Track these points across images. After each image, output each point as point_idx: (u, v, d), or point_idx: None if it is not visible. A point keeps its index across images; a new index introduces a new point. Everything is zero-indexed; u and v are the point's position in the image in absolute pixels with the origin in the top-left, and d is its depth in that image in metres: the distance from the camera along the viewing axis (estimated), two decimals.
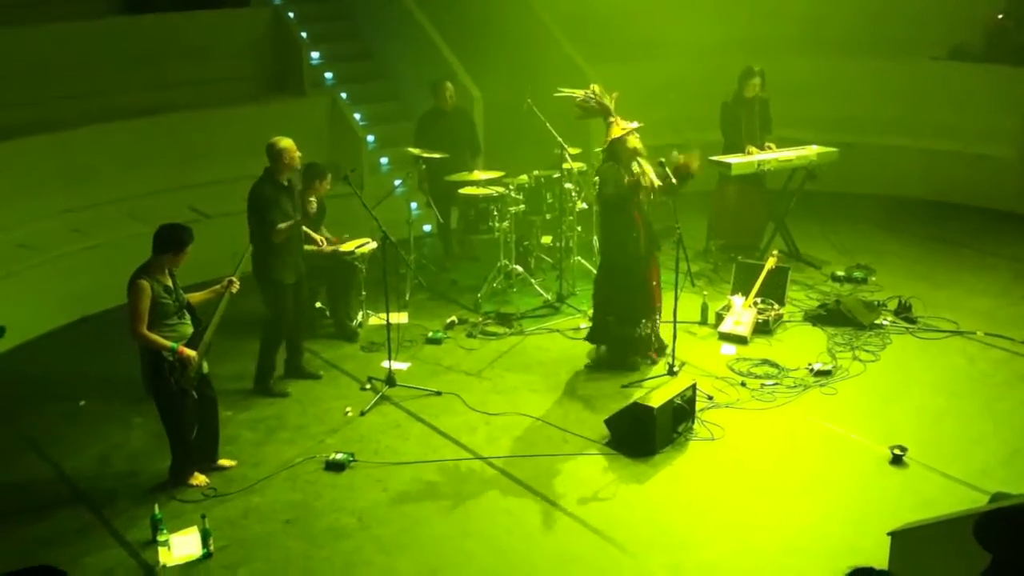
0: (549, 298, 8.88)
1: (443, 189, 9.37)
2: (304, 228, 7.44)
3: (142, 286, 5.82)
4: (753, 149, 9.36)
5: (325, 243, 7.97)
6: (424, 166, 9.27)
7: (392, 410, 7.17)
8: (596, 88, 7.55)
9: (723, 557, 5.56)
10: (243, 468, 6.44)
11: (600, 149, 7.73)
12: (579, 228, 9.30)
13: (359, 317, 8.47)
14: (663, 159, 7.46)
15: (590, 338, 7.87)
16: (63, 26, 9.88)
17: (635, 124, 7.35)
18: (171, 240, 5.94)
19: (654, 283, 7.63)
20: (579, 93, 7.57)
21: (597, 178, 7.59)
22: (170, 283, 5.99)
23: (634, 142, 7.35)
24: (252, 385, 7.42)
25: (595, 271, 9.06)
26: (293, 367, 7.59)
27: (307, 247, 7.68)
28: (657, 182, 7.41)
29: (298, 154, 7.11)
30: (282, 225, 6.99)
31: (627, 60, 11.68)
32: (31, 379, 7.73)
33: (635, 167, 7.33)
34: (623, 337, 7.63)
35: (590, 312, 8.15)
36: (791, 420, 6.94)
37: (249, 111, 10.45)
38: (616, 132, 7.34)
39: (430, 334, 8.28)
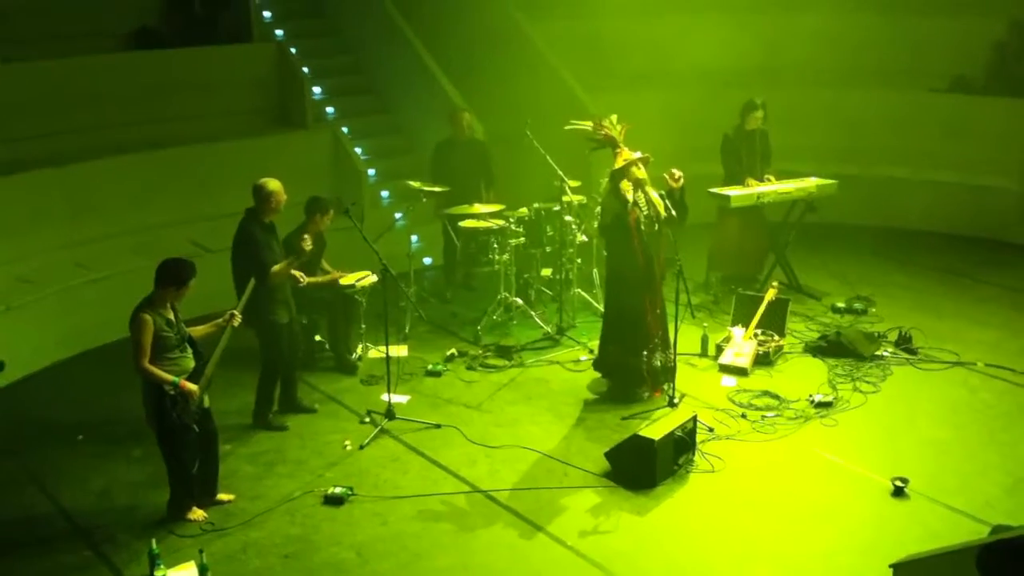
0: (549, 330, 8.88)
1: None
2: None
3: (144, 320, 5.84)
4: (752, 181, 9.39)
5: (303, 279, 7.48)
6: (425, 199, 9.34)
7: (391, 443, 7.16)
8: (613, 118, 7.57)
9: None
10: (242, 502, 6.41)
11: (606, 180, 7.76)
12: (579, 260, 9.32)
13: (359, 350, 8.47)
14: (662, 192, 7.51)
15: (595, 366, 7.88)
16: (70, 62, 9.96)
17: (639, 154, 7.38)
18: (174, 274, 5.97)
19: (658, 311, 7.63)
20: (588, 125, 7.61)
21: (599, 209, 7.60)
22: (172, 317, 6.01)
23: (638, 172, 7.39)
24: (251, 419, 7.41)
25: (596, 304, 9.12)
26: (287, 401, 7.57)
27: (310, 279, 7.64)
28: (664, 213, 7.44)
29: (284, 197, 7.14)
30: (277, 267, 7.02)
31: (626, 91, 11.76)
32: (32, 413, 7.73)
33: (640, 196, 7.36)
34: (624, 367, 7.62)
35: (591, 344, 8.15)
36: (792, 452, 6.91)
37: (252, 145, 10.50)
38: (619, 163, 7.38)
39: (430, 367, 8.28)
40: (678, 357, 7.54)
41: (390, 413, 7.37)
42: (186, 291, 6.03)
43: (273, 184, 7.11)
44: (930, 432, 7.13)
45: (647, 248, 7.42)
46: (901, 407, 7.50)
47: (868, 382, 7.85)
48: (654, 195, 7.47)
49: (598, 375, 7.88)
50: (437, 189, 9.33)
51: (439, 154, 9.82)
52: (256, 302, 6.77)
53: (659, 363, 7.64)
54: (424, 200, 9.41)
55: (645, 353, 7.56)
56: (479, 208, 9.07)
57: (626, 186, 7.28)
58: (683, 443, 6.69)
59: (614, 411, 7.50)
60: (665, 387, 7.66)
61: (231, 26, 11.50)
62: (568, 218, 8.98)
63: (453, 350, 8.58)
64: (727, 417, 7.36)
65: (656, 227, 7.44)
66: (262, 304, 6.98)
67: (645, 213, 7.39)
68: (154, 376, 5.86)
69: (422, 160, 11.20)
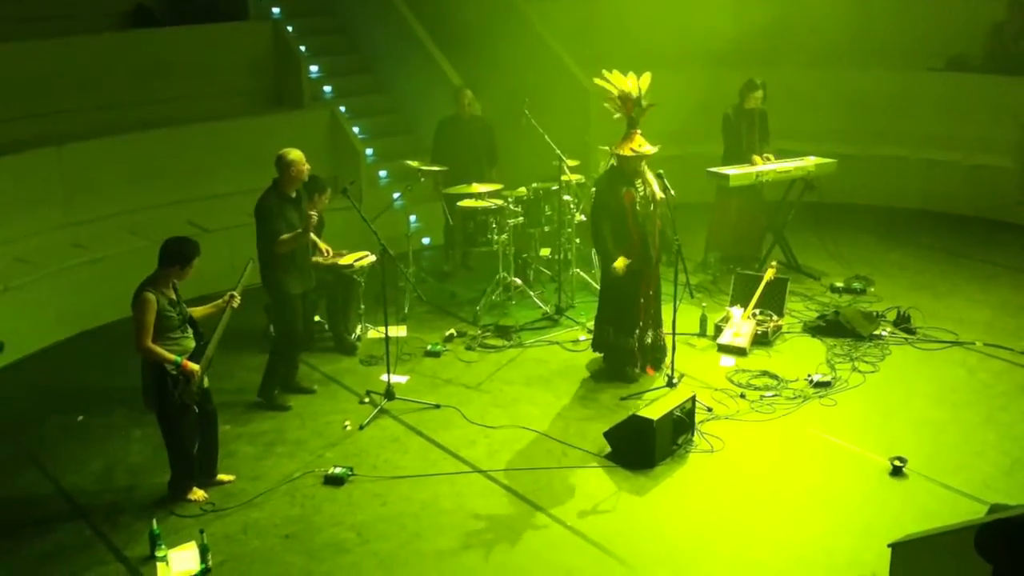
0: (548, 310, 8.89)
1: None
2: (313, 237, 7.41)
3: (148, 299, 5.82)
4: (758, 159, 9.36)
5: (330, 253, 7.94)
6: (423, 179, 9.30)
7: (391, 424, 7.17)
8: (645, 80, 7.35)
9: (723, 568, 5.55)
10: (242, 482, 6.42)
11: (605, 148, 7.65)
12: (578, 240, 9.32)
13: (358, 330, 8.47)
14: (661, 171, 7.48)
15: (593, 345, 7.89)
16: (66, 41, 9.92)
17: (648, 148, 7.32)
18: (178, 254, 5.94)
19: (651, 292, 7.63)
20: (615, 91, 7.40)
21: (594, 189, 7.55)
22: (174, 296, 6.00)
23: (638, 165, 7.36)
24: (252, 398, 7.41)
25: (594, 283, 9.12)
26: (286, 382, 7.56)
27: (314, 258, 7.67)
28: (660, 195, 7.42)
29: (307, 167, 7.12)
30: (284, 236, 6.99)
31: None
32: (31, 394, 7.74)
33: (638, 183, 7.34)
34: (620, 347, 7.63)
35: (589, 324, 8.16)
36: (790, 431, 6.93)
37: (249, 124, 10.47)
38: (626, 151, 7.31)
39: (429, 347, 8.28)
40: (676, 337, 7.54)
41: (389, 393, 7.38)
42: (190, 270, 6.01)
43: (294, 154, 7.07)
44: (928, 412, 7.15)
45: (642, 229, 7.40)
46: (899, 387, 7.51)
47: (867, 362, 7.87)
48: (650, 175, 7.45)
49: (597, 355, 7.89)
50: (435, 168, 9.32)
51: (441, 132, 9.78)
52: (268, 273, 6.75)
53: (649, 340, 7.66)
54: (422, 180, 9.39)
55: (637, 332, 7.57)
56: (477, 188, 9.05)
57: (628, 199, 7.23)
58: (682, 423, 6.71)
59: (613, 391, 7.51)
60: (661, 367, 7.67)
61: (227, 4, 11.43)
62: (566, 198, 8.97)
63: (452, 330, 8.58)
64: (726, 397, 7.37)
65: (652, 207, 7.42)
66: (273, 275, 7.01)
67: (641, 193, 7.37)
68: (156, 355, 5.85)
69: (420, 139, 11.20)
